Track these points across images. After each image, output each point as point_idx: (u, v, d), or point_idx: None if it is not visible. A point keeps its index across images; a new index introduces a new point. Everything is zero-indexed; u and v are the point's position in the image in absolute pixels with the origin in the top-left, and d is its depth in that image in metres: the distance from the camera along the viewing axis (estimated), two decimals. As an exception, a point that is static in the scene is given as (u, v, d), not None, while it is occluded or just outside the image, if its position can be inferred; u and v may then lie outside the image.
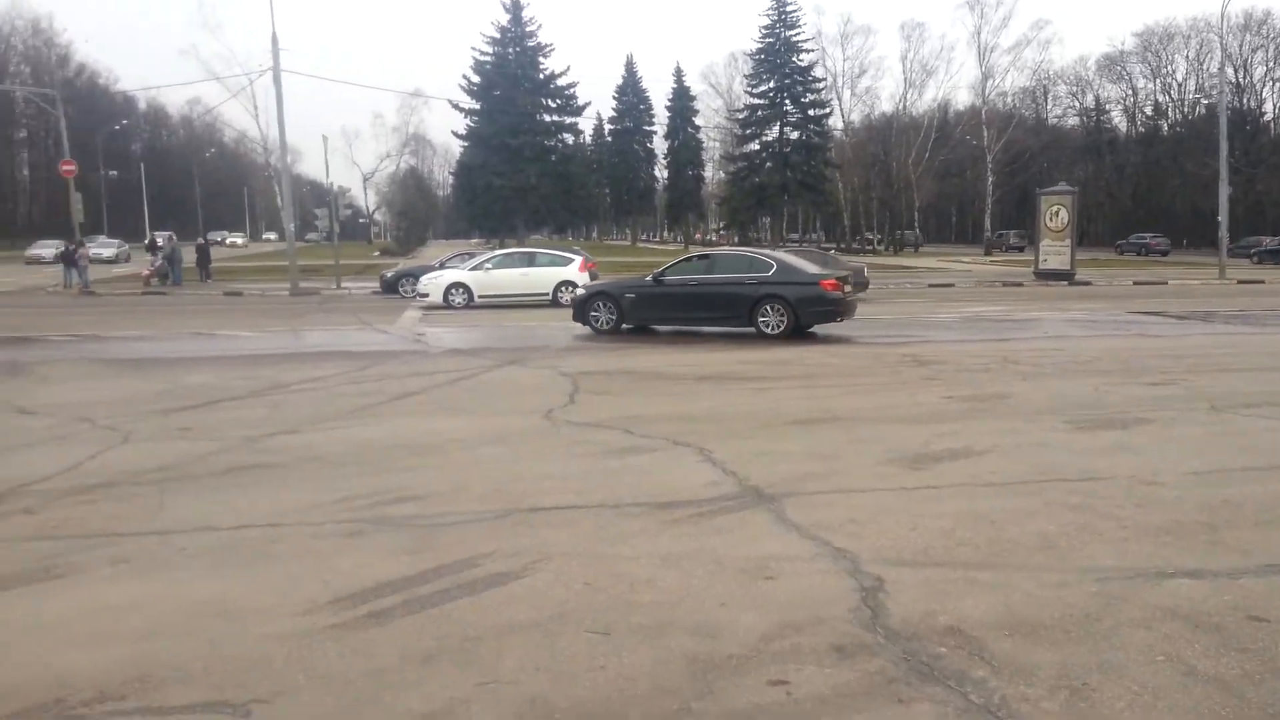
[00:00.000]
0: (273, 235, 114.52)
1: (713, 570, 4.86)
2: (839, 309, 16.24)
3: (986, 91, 71.41)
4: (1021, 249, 63.86)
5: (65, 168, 33.89)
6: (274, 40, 30.81)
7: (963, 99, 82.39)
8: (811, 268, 17.17)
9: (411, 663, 3.85)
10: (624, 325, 16.94)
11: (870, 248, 71.84)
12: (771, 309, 15.78)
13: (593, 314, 17.01)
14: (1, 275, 42.66)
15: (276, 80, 31.21)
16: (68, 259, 32.22)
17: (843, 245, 73.04)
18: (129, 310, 24.63)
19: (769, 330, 15.79)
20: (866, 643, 3.99)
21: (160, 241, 37.52)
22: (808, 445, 7.81)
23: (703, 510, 5.93)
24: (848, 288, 16.62)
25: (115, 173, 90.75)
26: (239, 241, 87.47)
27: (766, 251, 18.75)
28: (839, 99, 74.72)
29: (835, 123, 75.79)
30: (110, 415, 9.24)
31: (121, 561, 5.09)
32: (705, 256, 18.61)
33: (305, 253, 40.68)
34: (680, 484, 6.59)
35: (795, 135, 73.66)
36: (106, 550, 5.26)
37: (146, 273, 33.81)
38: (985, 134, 69.61)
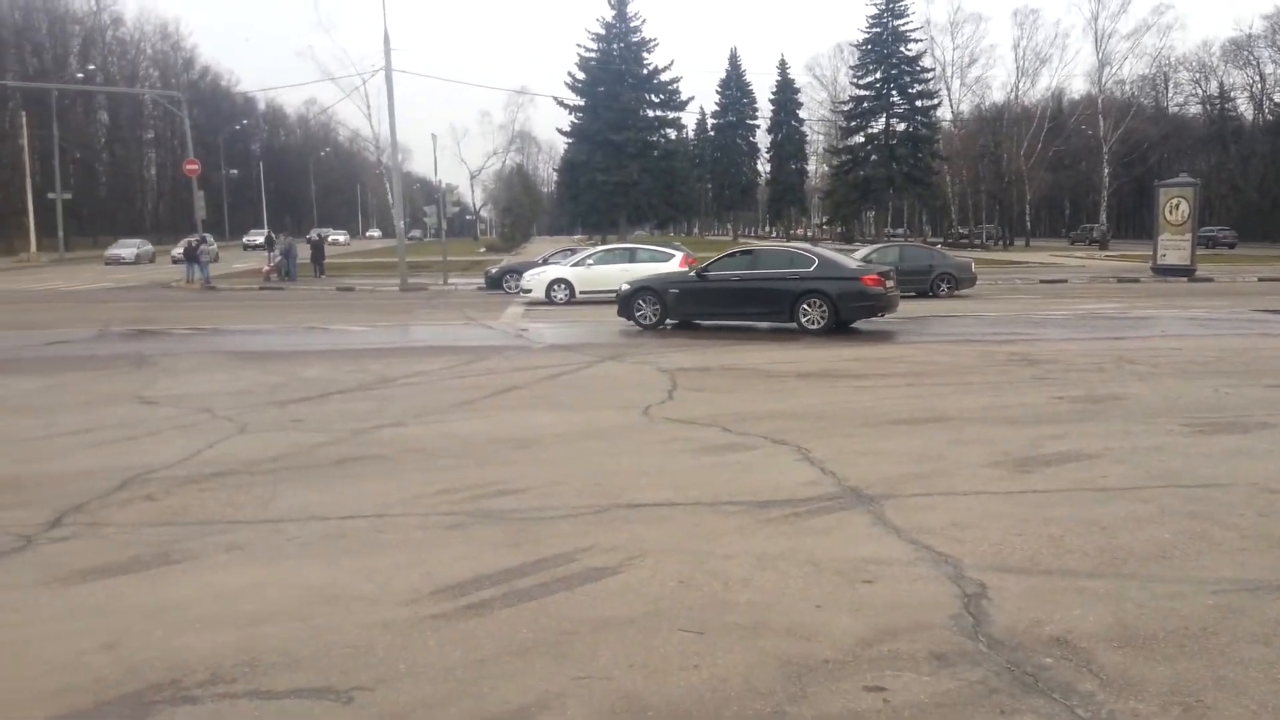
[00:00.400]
0: (376, 233, 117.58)
1: (809, 571, 4.81)
2: (880, 304, 16.35)
3: (1103, 79, 68.66)
4: (1104, 244, 61.46)
5: (189, 167, 35.42)
6: (386, 40, 31.66)
7: (1078, 88, 79.88)
8: (851, 263, 17.75)
9: (509, 655, 3.91)
10: (668, 321, 17.14)
11: (979, 242, 69.99)
12: (812, 304, 15.97)
13: (638, 310, 17.13)
14: (130, 271, 44.90)
15: (388, 80, 32.07)
16: (190, 255, 33.69)
17: (950, 239, 71.34)
18: (248, 305, 25.63)
19: (810, 326, 15.99)
20: (968, 651, 3.90)
21: (278, 238, 38.92)
22: (910, 445, 7.66)
23: (800, 510, 5.88)
24: (889, 283, 16.55)
25: (235, 171, 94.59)
26: (341, 239, 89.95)
27: (807, 247, 19.94)
28: (948, 89, 72.98)
29: (943, 114, 74.13)
30: (228, 406, 9.63)
31: (236, 548, 5.31)
32: (748, 252, 18.67)
33: (413, 249, 41.66)
34: (778, 483, 6.54)
35: (902, 127, 72.32)
36: (222, 537, 5.49)
37: (266, 268, 35.15)
38: (1101, 124, 66.92)
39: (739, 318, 17.03)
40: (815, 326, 15.97)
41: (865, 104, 73.68)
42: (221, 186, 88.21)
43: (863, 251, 28.67)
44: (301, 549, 5.30)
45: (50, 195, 59.07)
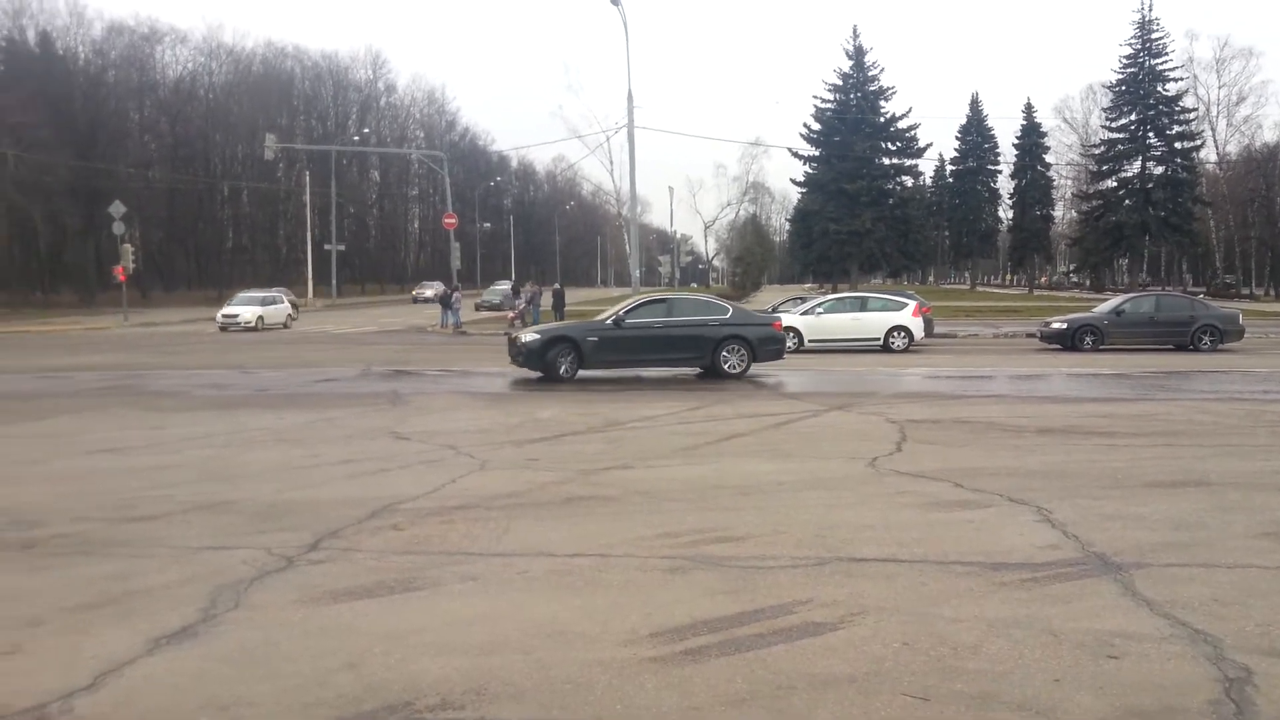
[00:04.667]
0: (606, 284, 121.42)
1: (1046, 642, 4.49)
2: (784, 349, 18.17)
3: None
4: None
5: (447, 221, 38.18)
6: (629, 98, 33.17)
7: (1369, 123, 71.29)
8: (759, 312, 20.79)
9: (724, 705, 3.88)
10: (580, 371, 16.84)
11: (1246, 292, 63.85)
12: (732, 349, 17.09)
13: (552, 360, 16.47)
14: (392, 315, 48.59)
15: (630, 137, 33.50)
16: (444, 301, 36.07)
17: (1212, 289, 65.51)
18: (493, 349, 27.07)
19: (730, 370, 17.01)
20: (1229, 742, 3.51)
21: (523, 288, 41.10)
22: (1165, 510, 7.03)
23: (1038, 575, 5.51)
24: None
25: (488, 225, 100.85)
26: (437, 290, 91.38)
27: (715, 297, 21.00)
28: (1212, 129, 67.68)
29: (1207, 155, 68.50)
30: (471, 444, 10.19)
31: (470, 579, 5.58)
32: (662, 301, 18.98)
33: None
34: (1014, 545, 6.17)
35: (1159, 170, 67.48)
36: (458, 568, 5.78)
37: (511, 315, 37.12)
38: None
39: (658, 364, 17.64)
40: (735, 371, 17.03)
41: (1118, 146, 69.31)
42: (475, 238, 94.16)
43: (1114, 301, 26.87)
44: (530, 583, 5.50)
45: (327, 246, 65.01)
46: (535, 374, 16.76)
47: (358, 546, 6.26)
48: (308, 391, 15.98)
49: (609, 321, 17.34)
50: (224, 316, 36.78)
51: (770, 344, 17.51)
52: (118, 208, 40.91)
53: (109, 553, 6.15)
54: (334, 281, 69.30)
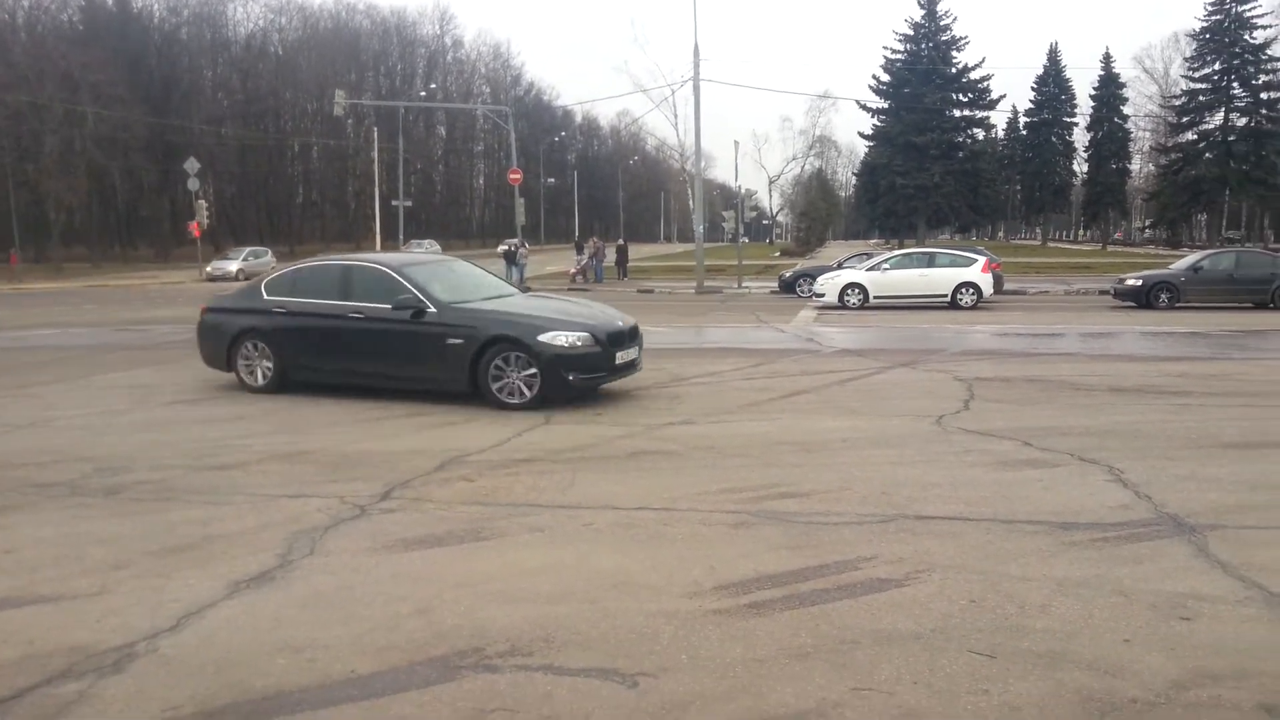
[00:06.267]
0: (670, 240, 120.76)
1: (1116, 602, 4.44)
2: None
3: None
4: None
5: (513, 176, 38.22)
6: (695, 52, 32.55)
7: None
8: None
9: (787, 657, 3.91)
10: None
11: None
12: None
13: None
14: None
15: (696, 90, 32.94)
16: (509, 258, 36.25)
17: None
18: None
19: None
20: (1305, 707, 3.44)
21: (586, 243, 41.19)
22: (1242, 472, 6.86)
23: (1108, 535, 5.43)
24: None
25: (553, 180, 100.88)
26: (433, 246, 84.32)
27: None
28: (1300, 79, 64.54)
29: (1294, 106, 65.63)
30: (535, 398, 10.25)
31: (537, 530, 5.67)
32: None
33: (710, 253, 42.55)
34: (1084, 504, 6.08)
35: (1243, 122, 64.84)
36: (525, 519, 5.88)
37: (573, 270, 37.26)
38: None
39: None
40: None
41: (1201, 97, 66.78)
42: (540, 194, 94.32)
43: (1191, 258, 26.00)
44: (595, 535, 5.58)
45: (394, 202, 65.67)
46: None
47: (427, 497, 6.39)
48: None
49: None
50: (212, 268, 41.72)
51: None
52: (192, 164, 41.72)
53: (189, 500, 6.37)
54: (400, 237, 69.90)
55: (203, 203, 43.25)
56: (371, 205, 66.00)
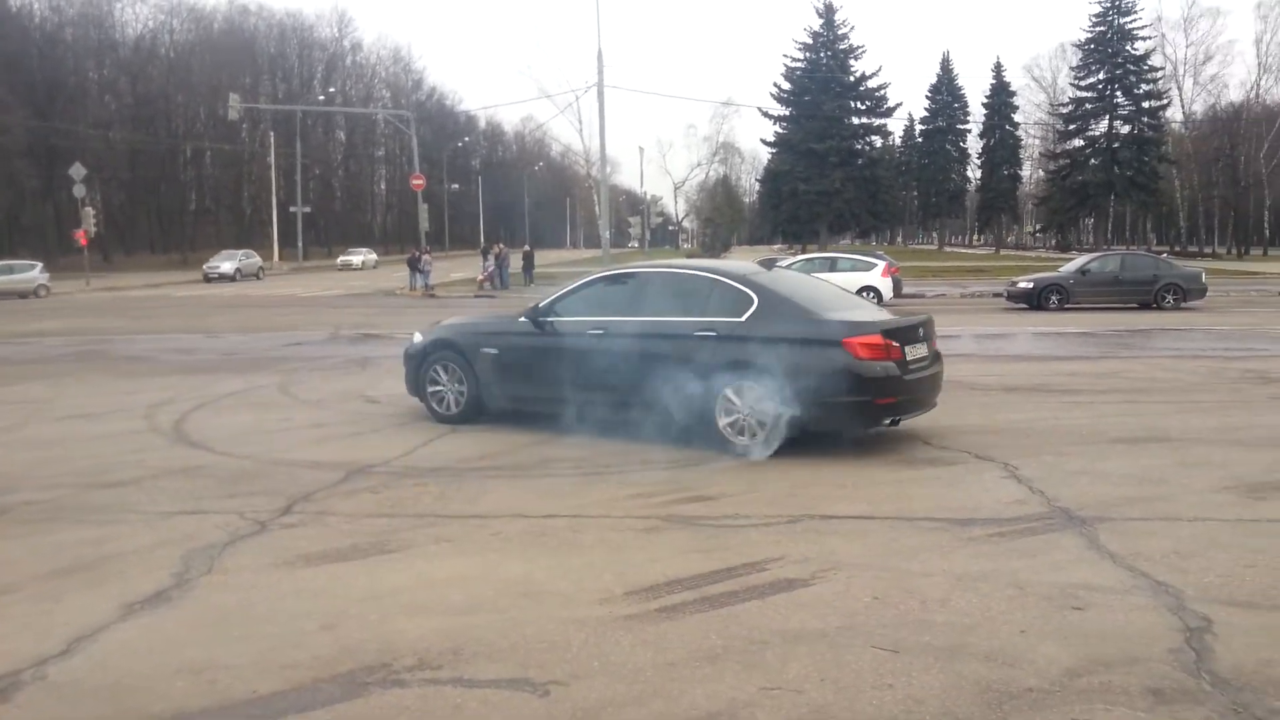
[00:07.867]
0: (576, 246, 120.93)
1: (1012, 595, 4.59)
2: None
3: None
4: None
5: (415, 182, 37.77)
6: (599, 57, 33.02)
7: (1331, 83, 71.95)
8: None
9: (698, 660, 3.94)
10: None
11: (1209, 251, 64.70)
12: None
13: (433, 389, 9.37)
14: (360, 278, 48.14)
15: (600, 96, 33.18)
16: (413, 264, 35.77)
17: (1177, 249, 66.31)
18: (464, 310, 26.94)
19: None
20: (1189, 689, 3.61)
21: (493, 250, 40.90)
22: (1129, 466, 7.17)
23: (1004, 530, 5.62)
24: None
25: (456, 186, 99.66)
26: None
27: (737, 267, 8.92)
28: (1178, 89, 68.09)
29: (1173, 115, 68.99)
30: (441, 407, 10.12)
31: (445, 540, 5.60)
32: (630, 276, 9.80)
33: (618, 258, 42.67)
34: (981, 501, 6.28)
35: (1125, 129, 67.86)
36: (433, 530, 5.80)
37: (481, 277, 36.92)
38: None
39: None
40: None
41: (1086, 105, 69.62)
42: (444, 200, 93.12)
43: (1079, 260, 27.12)
44: (505, 544, 5.53)
45: (292, 209, 64.16)
46: None
47: (331, 510, 6.25)
48: (276, 355, 15.84)
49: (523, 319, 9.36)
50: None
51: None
52: (78, 170, 40.14)
53: (81, 519, 6.11)
54: (300, 244, 68.43)
55: (90, 210, 41.66)
56: (269, 211, 64.35)
